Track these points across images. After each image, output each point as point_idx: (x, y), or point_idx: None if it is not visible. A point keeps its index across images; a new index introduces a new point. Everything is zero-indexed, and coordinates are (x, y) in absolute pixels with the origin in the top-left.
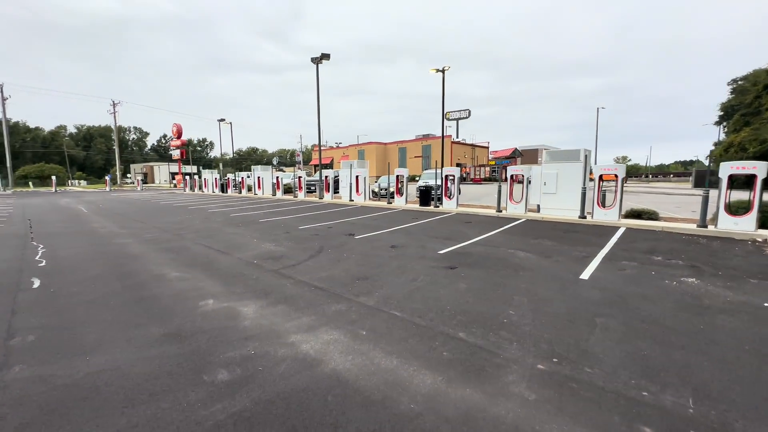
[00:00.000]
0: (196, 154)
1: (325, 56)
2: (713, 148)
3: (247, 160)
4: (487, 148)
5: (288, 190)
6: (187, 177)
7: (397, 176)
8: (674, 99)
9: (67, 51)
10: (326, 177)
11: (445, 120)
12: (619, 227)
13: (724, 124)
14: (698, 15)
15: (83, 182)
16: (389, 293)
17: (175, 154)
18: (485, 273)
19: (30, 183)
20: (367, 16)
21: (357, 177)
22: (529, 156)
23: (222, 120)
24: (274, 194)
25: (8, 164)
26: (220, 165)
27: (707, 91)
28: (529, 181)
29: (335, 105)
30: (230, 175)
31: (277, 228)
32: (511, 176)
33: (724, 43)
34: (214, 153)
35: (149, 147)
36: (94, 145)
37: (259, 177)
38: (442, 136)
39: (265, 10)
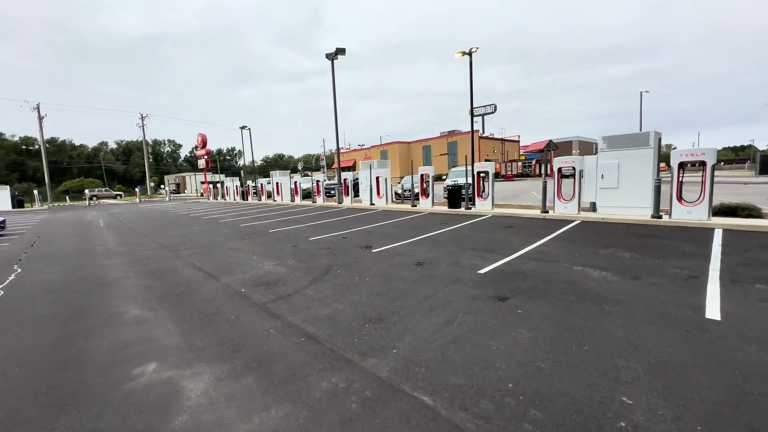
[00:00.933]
0: (225, 163)
1: (340, 51)
2: None
3: (274, 166)
4: (518, 142)
5: (307, 195)
6: (211, 186)
7: (422, 175)
8: (720, 80)
9: (105, 71)
10: (345, 180)
11: (473, 110)
12: (713, 228)
13: None
14: None
15: (120, 194)
16: (413, 350)
17: (201, 162)
18: (553, 309)
19: (67, 197)
20: (383, 17)
21: (377, 178)
22: (564, 148)
23: (243, 127)
24: (292, 200)
25: (46, 179)
26: (242, 172)
27: (759, 69)
28: (581, 175)
29: (357, 108)
30: (249, 182)
31: (284, 240)
32: (559, 169)
33: None
34: (243, 161)
35: (182, 158)
36: (132, 159)
37: (277, 183)
38: (471, 129)
39: (284, 19)
